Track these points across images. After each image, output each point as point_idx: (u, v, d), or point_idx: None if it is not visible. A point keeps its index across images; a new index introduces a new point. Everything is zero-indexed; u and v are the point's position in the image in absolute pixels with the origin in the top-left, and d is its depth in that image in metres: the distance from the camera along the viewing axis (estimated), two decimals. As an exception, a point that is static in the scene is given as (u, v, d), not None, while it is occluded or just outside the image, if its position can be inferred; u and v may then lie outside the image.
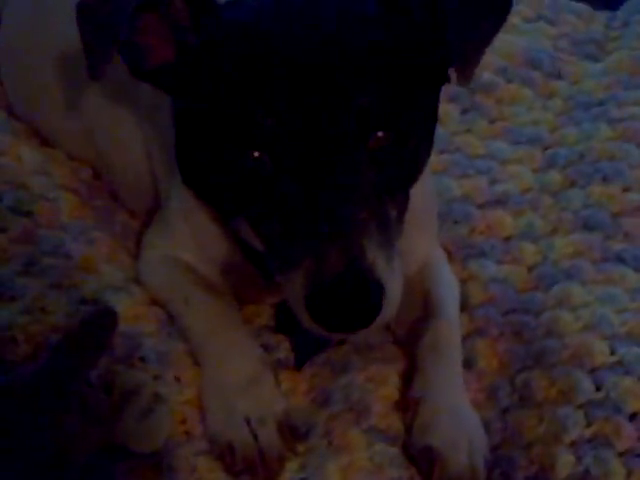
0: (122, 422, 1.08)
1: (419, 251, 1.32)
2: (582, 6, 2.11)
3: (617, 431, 1.16)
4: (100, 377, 1.12)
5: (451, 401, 1.18)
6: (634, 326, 1.31)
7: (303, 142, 0.97)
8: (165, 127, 1.27)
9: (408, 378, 1.23)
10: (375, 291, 0.95)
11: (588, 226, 1.52)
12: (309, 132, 0.97)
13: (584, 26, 2.05)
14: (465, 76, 1.00)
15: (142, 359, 1.20)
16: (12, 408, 1.03)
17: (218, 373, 1.20)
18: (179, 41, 1.06)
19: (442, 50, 1.02)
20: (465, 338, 1.30)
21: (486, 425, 1.18)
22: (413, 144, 1.05)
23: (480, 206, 1.57)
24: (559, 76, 1.89)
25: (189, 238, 1.31)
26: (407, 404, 1.20)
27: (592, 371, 1.24)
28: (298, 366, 1.26)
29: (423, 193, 1.18)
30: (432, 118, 1.11)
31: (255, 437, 1.13)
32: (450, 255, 1.44)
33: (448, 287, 1.35)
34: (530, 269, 1.46)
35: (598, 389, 1.22)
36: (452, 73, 1.07)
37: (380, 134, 1.00)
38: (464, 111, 1.79)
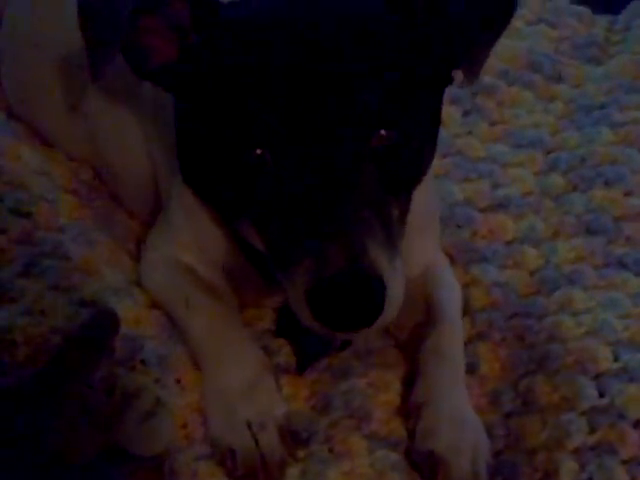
0: (123, 425, 1.08)
1: (421, 255, 1.31)
2: (583, 9, 2.10)
3: (621, 438, 1.16)
4: (101, 380, 1.11)
5: (454, 406, 1.17)
6: (636, 332, 1.31)
7: (305, 139, 0.97)
8: (166, 126, 1.27)
9: (410, 383, 1.23)
10: (377, 288, 0.94)
11: (590, 230, 1.51)
12: (310, 129, 0.97)
13: (585, 29, 2.05)
14: (473, 72, 1.01)
15: (143, 362, 1.19)
16: (12, 410, 1.03)
17: (219, 377, 1.19)
18: (181, 40, 1.06)
19: (446, 51, 1.02)
20: (467, 343, 1.30)
21: (489, 430, 1.18)
22: (416, 144, 1.04)
23: (482, 210, 1.56)
24: (560, 79, 1.89)
25: (190, 239, 1.30)
26: (409, 409, 1.19)
27: (596, 377, 1.24)
28: (300, 371, 1.25)
29: (425, 197, 1.18)
30: (435, 119, 1.10)
31: (256, 442, 1.12)
32: (452, 259, 1.44)
33: (450, 291, 1.34)
34: (532, 273, 1.45)
35: (602, 395, 1.21)
36: (456, 74, 1.07)
37: (382, 132, 1.00)
38: (465, 113, 1.78)
